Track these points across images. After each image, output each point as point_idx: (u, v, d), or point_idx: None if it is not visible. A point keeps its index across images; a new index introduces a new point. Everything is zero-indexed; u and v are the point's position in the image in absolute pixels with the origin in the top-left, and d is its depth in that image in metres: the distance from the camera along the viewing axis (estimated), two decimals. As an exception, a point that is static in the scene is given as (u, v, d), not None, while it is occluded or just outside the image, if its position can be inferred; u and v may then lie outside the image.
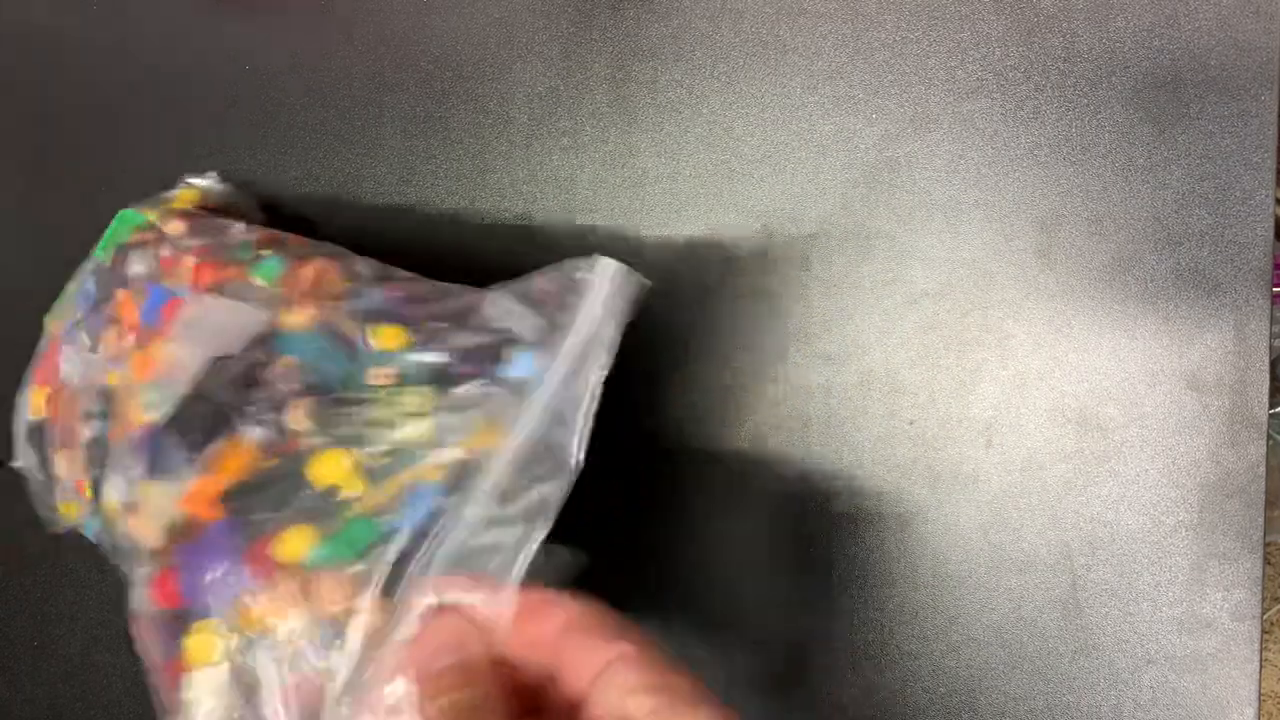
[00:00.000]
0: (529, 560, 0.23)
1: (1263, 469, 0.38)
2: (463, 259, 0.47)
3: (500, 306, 0.28)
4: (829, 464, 0.42)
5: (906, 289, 0.41)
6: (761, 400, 0.42)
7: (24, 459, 0.35)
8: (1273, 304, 0.37)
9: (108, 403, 0.29)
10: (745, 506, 0.43)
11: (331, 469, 0.25)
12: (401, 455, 0.24)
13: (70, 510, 0.33)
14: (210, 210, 0.36)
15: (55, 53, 0.55)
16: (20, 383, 0.39)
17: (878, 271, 0.41)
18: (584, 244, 0.46)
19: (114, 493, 0.28)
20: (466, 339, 0.27)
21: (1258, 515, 0.38)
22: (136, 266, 0.32)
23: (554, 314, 0.27)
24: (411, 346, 0.26)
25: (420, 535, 0.23)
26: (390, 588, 0.23)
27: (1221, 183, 0.37)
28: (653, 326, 0.44)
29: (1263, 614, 0.38)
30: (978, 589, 0.41)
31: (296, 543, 0.24)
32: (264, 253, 0.30)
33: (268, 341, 0.27)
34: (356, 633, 0.23)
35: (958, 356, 0.40)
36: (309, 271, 0.28)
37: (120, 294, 0.32)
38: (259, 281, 0.29)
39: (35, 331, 0.43)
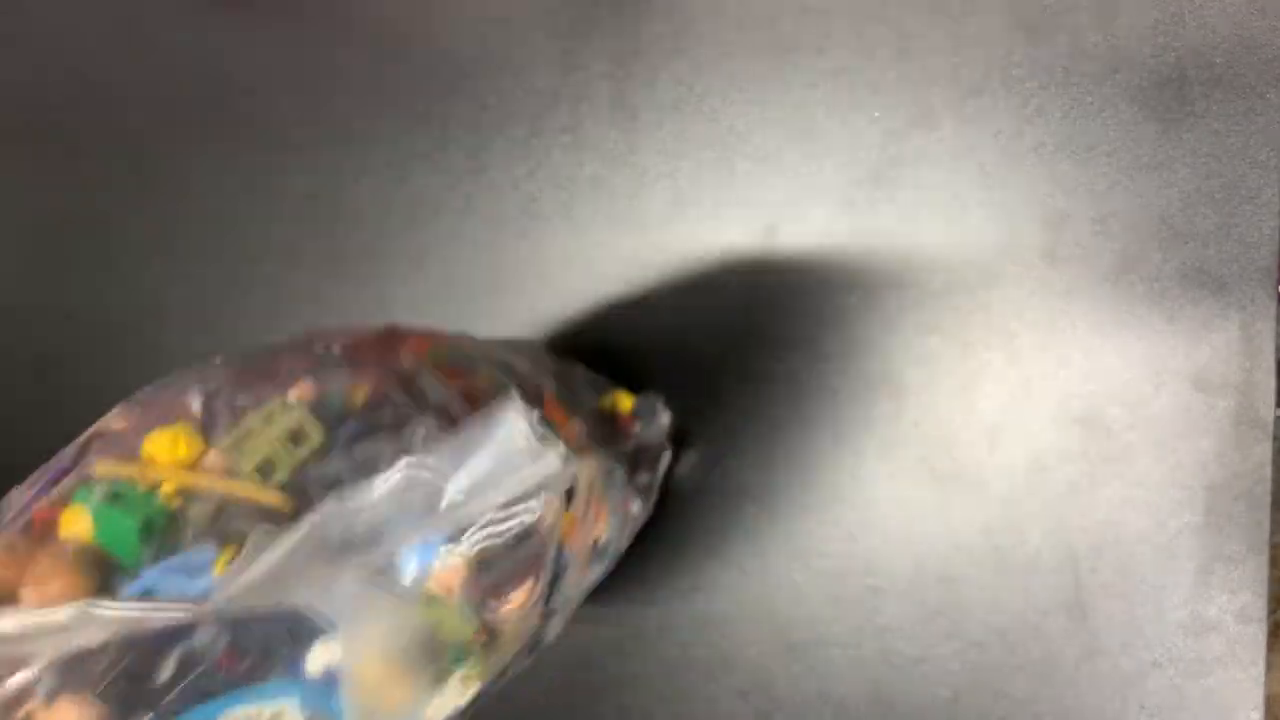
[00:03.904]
0: None
1: (1269, 470, 0.37)
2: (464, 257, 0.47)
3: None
4: (831, 465, 0.42)
5: (910, 289, 0.40)
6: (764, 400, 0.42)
7: None
8: None
9: None
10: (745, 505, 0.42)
11: None
12: None
13: None
14: None
15: (55, 50, 0.54)
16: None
17: (880, 271, 0.41)
18: (583, 243, 0.45)
19: None
20: None
21: (1263, 517, 0.37)
22: None
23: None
24: None
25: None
26: None
27: (1227, 181, 0.37)
28: (655, 329, 0.43)
29: (1269, 616, 0.38)
30: (982, 591, 0.40)
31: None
32: None
33: None
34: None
35: (961, 357, 0.40)
36: None
37: None
38: None
39: (31, 329, 0.43)
